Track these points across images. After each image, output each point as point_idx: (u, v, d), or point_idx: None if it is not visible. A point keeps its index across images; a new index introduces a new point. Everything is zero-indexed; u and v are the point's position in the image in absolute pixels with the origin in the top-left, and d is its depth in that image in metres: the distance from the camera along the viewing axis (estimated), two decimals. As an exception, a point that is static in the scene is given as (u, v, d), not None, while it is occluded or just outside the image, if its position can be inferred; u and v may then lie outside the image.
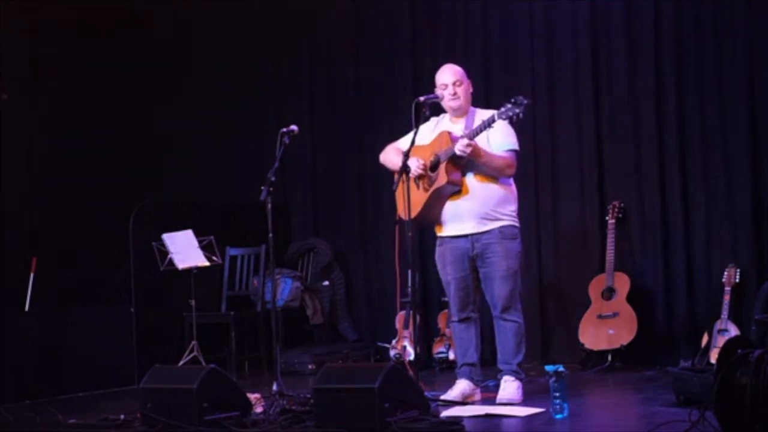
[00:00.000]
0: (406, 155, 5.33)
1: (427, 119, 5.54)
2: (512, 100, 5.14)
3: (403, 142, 5.60)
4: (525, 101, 5.13)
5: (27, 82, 8.03)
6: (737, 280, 6.40)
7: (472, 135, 5.24)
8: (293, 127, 5.90)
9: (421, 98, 5.45)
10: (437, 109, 5.62)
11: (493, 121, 5.19)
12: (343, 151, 8.22)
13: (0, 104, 7.81)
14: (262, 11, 8.47)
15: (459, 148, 5.21)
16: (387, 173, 5.72)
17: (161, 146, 8.68)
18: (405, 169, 5.30)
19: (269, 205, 5.75)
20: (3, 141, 7.77)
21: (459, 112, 5.52)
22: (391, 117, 7.64)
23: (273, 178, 5.72)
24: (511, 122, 5.23)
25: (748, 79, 6.61)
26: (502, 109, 5.17)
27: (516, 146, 5.45)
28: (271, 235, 5.79)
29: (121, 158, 8.36)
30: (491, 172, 5.37)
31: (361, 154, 8.00)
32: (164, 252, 6.96)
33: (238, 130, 8.60)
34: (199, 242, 6.94)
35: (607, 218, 6.93)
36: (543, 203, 7.32)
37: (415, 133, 5.37)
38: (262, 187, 5.71)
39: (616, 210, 6.91)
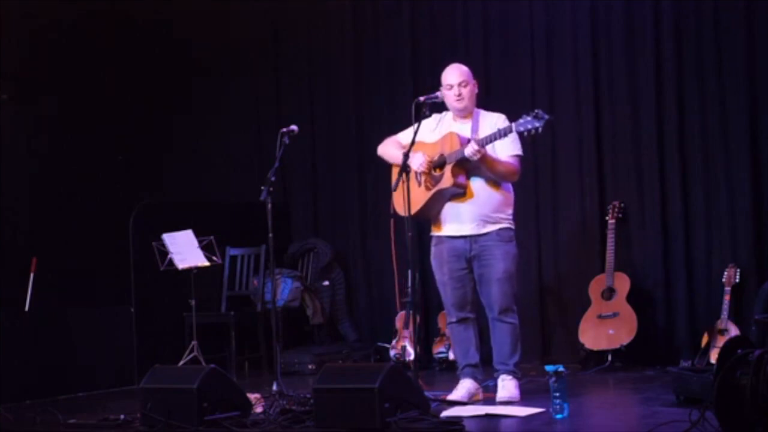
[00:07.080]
0: (406, 155, 5.30)
1: (427, 118, 5.52)
2: (534, 113, 5.04)
3: (403, 136, 5.58)
4: (546, 116, 5.03)
5: (27, 82, 8.03)
6: (737, 280, 6.41)
7: (484, 142, 5.20)
8: (293, 127, 5.91)
9: (421, 98, 5.44)
10: (438, 108, 5.61)
11: (510, 131, 5.13)
12: (343, 151, 8.21)
13: (0, 104, 7.81)
14: (261, 10, 8.47)
15: (469, 152, 5.18)
16: (386, 172, 5.71)
17: (161, 146, 8.68)
18: (405, 168, 5.27)
19: (269, 205, 5.75)
20: (3, 141, 7.77)
21: (463, 113, 5.49)
22: (391, 117, 7.63)
23: (273, 178, 5.73)
24: (528, 135, 5.11)
25: (748, 79, 6.62)
26: (521, 121, 5.09)
27: (521, 151, 5.42)
28: (271, 235, 5.80)
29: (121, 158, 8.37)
30: (496, 178, 5.37)
31: (361, 154, 8.00)
32: (164, 252, 6.96)
33: (238, 130, 8.60)
34: (199, 242, 6.93)
35: (607, 218, 6.93)
36: (543, 203, 7.32)
37: (416, 132, 5.33)
38: (262, 187, 5.71)
39: (616, 210, 6.91)
